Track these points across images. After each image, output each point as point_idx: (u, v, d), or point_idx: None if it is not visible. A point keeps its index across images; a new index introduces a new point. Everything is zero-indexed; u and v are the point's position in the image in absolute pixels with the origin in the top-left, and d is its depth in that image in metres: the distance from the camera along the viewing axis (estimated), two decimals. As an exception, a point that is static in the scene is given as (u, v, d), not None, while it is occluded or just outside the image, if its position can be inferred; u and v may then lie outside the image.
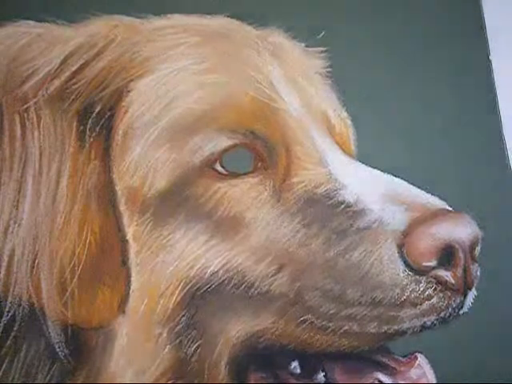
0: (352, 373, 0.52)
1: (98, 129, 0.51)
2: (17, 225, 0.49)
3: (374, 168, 0.53)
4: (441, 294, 0.48)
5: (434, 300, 0.48)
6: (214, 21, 0.57)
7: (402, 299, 0.48)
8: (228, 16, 0.58)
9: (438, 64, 0.61)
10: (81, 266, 0.49)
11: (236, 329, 0.50)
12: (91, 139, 0.51)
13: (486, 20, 0.62)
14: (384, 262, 0.48)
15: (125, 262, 0.50)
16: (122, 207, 0.51)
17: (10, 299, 0.49)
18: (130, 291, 0.50)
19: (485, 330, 0.53)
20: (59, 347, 0.49)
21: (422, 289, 0.48)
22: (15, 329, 0.49)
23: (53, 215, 0.49)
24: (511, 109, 0.61)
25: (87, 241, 0.49)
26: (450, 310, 0.49)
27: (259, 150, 0.52)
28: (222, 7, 0.58)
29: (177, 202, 0.50)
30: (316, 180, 0.51)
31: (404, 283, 0.48)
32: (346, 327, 0.49)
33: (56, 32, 0.55)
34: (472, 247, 0.49)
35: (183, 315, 0.50)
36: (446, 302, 0.48)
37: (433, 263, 0.48)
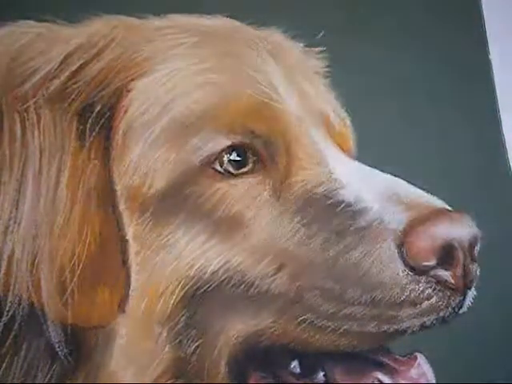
0: (352, 372, 0.52)
1: (97, 128, 0.51)
2: (17, 224, 0.49)
3: (374, 168, 0.53)
4: (440, 294, 0.48)
5: (434, 300, 0.48)
6: (214, 21, 0.57)
7: (402, 299, 0.48)
8: (228, 16, 0.58)
9: (438, 64, 0.61)
10: (81, 266, 0.49)
11: (236, 328, 0.50)
12: (91, 139, 0.51)
13: (485, 20, 0.62)
14: (384, 261, 0.48)
15: (125, 261, 0.50)
16: (122, 207, 0.51)
17: (10, 299, 0.49)
18: (130, 291, 0.50)
19: (484, 329, 0.53)
20: (59, 347, 0.49)
21: (421, 288, 0.48)
22: (15, 328, 0.49)
23: (53, 215, 0.49)
24: (511, 109, 0.61)
25: (87, 240, 0.49)
26: (449, 309, 0.49)
27: (259, 149, 0.51)
28: (221, 7, 0.58)
29: (176, 201, 0.50)
30: (316, 179, 0.51)
31: (403, 283, 0.48)
32: (345, 326, 0.49)
33: (56, 32, 0.55)
34: (471, 247, 0.49)
35: (183, 315, 0.50)
36: (446, 301, 0.48)
37: (432, 263, 0.48)
